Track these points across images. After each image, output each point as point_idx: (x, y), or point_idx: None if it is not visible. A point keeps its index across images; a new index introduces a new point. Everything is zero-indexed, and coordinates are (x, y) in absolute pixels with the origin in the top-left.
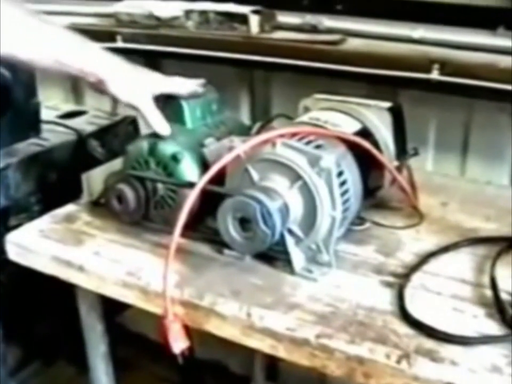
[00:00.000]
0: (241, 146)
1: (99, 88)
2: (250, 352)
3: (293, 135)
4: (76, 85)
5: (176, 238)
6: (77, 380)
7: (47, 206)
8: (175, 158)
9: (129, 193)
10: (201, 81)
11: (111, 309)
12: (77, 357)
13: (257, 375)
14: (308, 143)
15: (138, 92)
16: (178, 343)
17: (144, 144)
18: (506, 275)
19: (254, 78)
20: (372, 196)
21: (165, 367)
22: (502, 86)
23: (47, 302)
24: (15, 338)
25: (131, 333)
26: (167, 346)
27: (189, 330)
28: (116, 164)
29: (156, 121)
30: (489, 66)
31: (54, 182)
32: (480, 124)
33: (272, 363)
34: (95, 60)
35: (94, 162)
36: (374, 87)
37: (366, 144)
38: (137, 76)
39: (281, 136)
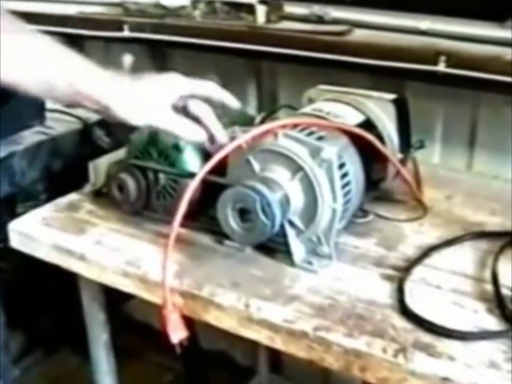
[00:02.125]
0: (242, 136)
1: (106, 115)
2: (255, 344)
3: (295, 126)
4: None
5: (176, 227)
6: (80, 368)
7: (54, 194)
8: (177, 148)
9: (130, 182)
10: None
11: (116, 297)
12: (82, 346)
13: (261, 367)
14: (310, 134)
15: (151, 109)
16: (177, 333)
17: (146, 134)
18: (508, 270)
19: (261, 68)
20: (375, 188)
21: (169, 357)
22: (510, 79)
23: (52, 290)
24: (18, 326)
25: (136, 322)
26: (165, 336)
27: (190, 321)
28: (122, 153)
29: (187, 134)
30: (496, 58)
31: (61, 171)
32: (488, 117)
33: (276, 355)
34: (93, 83)
35: (100, 151)
36: (380, 78)
37: (368, 135)
38: (147, 90)
39: (283, 127)
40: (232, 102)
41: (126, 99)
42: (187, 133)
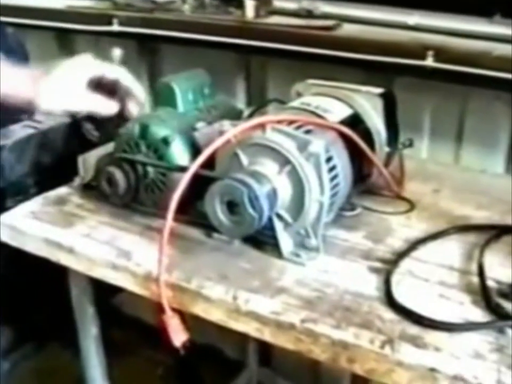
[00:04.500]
0: (231, 130)
1: (32, 108)
2: (244, 337)
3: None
4: None
5: (168, 224)
6: (70, 363)
7: (44, 188)
8: (165, 141)
9: (119, 176)
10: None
11: (106, 291)
12: (72, 340)
13: (250, 360)
14: (298, 128)
15: (69, 95)
16: (179, 336)
17: (135, 127)
18: (494, 263)
19: (250, 63)
20: (363, 181)
21: (159, 350)
22: (497, 74)
23: (41, 284)
24: (7, 320)
25: (127, 316)
26: (167, 340)
27: (185, 317)
28: (111, 146)
29: (101, 109)
30: (484, 54)
31: (50, 164)
32: (476, 112)
33: (266, 348)
34: (16, 81)
35: (89, 145)
36: (369, 73)
37: (350, 133)
38: (61, 77)
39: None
40: (139, 93)
41: (46, 90)
42: (101, 108)
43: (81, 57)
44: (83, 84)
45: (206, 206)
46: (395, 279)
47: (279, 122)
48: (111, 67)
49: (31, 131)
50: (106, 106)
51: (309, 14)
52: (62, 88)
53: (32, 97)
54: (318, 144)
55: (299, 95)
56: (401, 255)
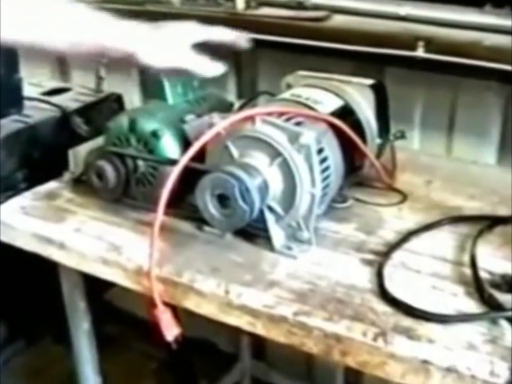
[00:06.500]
0: (221, 123)
1: (127, 63)
2: (238, 331)
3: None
4: (62, 61)
5: (159, 217)
6: (62, 358)
7: (34, 183)
8: (155, 135)
9: (108, 170)
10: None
11: (99, 286)
12: (63, 335)
13: (244, 353)
14: (288, 119)
15: (173, 52)
16: (171, 331)
17: (124, 121)
18: (486, 254)
19: (241, 55)
20: (355, 173)
21: (152, 345)
22: (488, 64)
23: (32, 280)
24: None
25: (119, 310)
26: (160, 335)
27: (177, 312)
28: (102, 140)
29: (206, 69)
30: (475, 44)
31: (40, 159)
32: (467, 102)
33: (259, 342)
34: (116, 33)
35: (78, 139)
36: (360, 64)
37: (341, 124)
38: (166, 35)
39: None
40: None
41: (150, 45)
42: (205, 68)
43: (186, 24)
44: (188, 45)
45: (196, 200)
46: (387, 271)
47: (269, 114)
48: (216, 30)
49: (20, 125)
50: (212, 67)
51: (300, 5)
52: (166, 45)
53: (132, 51)
54: (309, 136)
55: (289, 87)
56: (394, 246)
